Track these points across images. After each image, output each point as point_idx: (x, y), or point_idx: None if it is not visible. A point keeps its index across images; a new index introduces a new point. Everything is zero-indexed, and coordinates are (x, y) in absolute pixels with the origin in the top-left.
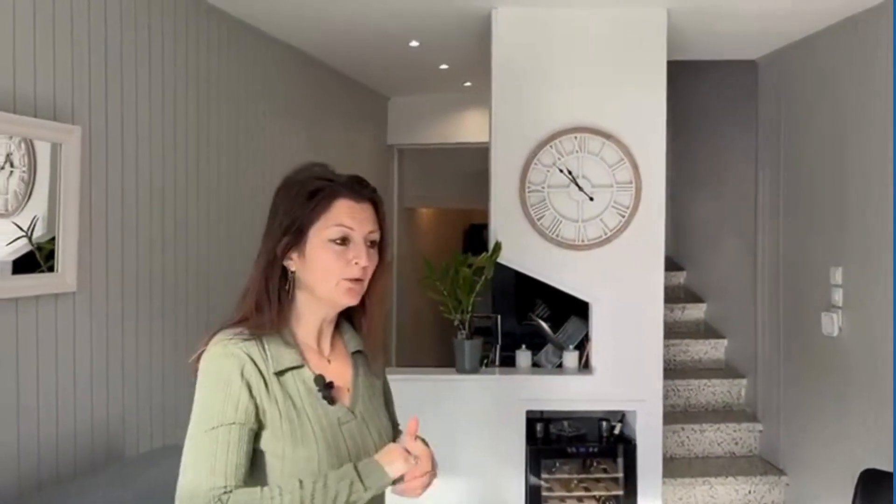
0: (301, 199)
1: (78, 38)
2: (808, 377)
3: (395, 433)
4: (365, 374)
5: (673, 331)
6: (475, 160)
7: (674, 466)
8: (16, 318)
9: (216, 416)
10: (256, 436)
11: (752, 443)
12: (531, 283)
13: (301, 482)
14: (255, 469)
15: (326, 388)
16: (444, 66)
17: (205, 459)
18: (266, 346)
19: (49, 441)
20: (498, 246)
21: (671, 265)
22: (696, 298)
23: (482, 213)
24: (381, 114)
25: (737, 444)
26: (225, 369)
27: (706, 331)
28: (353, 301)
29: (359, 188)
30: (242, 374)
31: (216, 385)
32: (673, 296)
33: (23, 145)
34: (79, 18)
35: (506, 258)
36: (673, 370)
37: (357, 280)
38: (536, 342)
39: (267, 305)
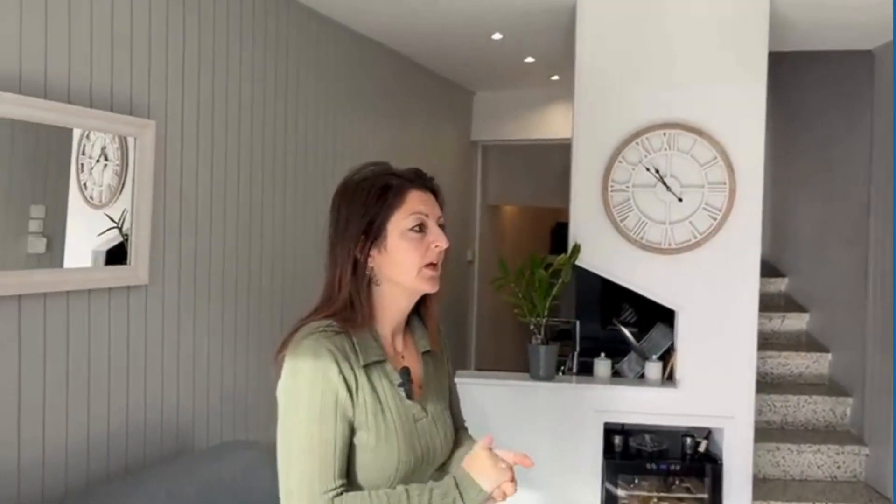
0: (374, 197)
1: (156, 34)
2: None
3: (459, 436)
4: (434, 373)
5: (770, 342)
6: (562, 157)
7: (767, 488)
8: (88, 308)
9: (318, 414)
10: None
11: (857, 467)
12: (619, 285)
13: (407, 491)
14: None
15: (409, 383)
16: (529, 60)
17: (312, 459)
18: (354, 341)
19: (119, 433)
20: (577, 248)
21: (771, 271)
22: (798, 307)
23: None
24: (466, 109)
25: (839, 467)
26: (321, 365)
27: (808, 343)
28: (434, 288)
29: (422, 179)
30: (340, 370)
31: (314, 381)
32: (772, 304)
33: (117, 139)
34: (156, 13)
35: (586, 261)
36: (769, 384)
37: (435, 266)
38: (620, 349)
39: (358, 303)
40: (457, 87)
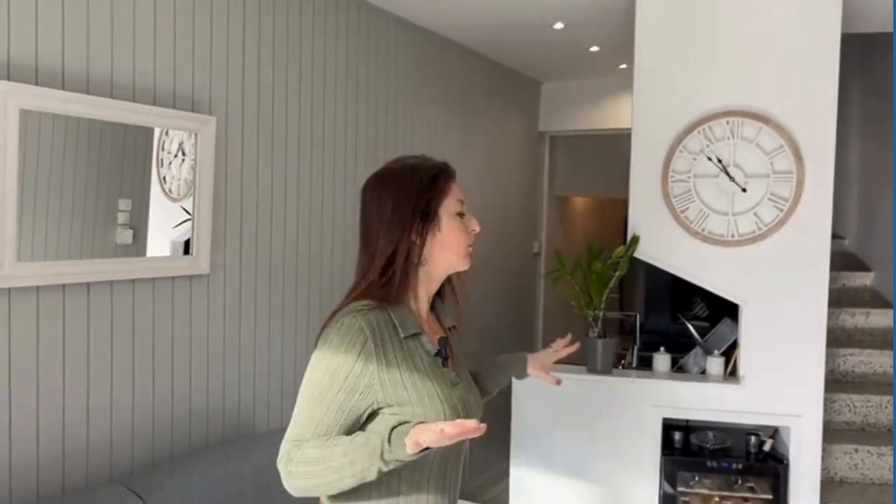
0: (427, 183)
1: (217, 29)
2: None
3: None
4: (460, 346)
5: (853, 339)
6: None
7: (843, 492)
8: (152, 296)
9: (328, 380)
10: (376, 413)
11: None
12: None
13: (356, 434)
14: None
15: (447, 351)
16: (594, 49)
17: (305, 412)
18: (392, 315)
19: (182, 416)
20: (635, 239)
21: (857, 265)
22: (885, 303)
23: None
24: (533, 100)
25: None
26: (348, 339)
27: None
28: (468, 265)
29: (454, 171)
30: (366, 347)
31: (337, 352)
32: (857, 299)
33: (193, 136)
34: (218, 7)
35: (645, 253)
36: (850, 383)
37: (471, 246)
38: (687, 344)
39: (397, 279)
40: (523, 78)
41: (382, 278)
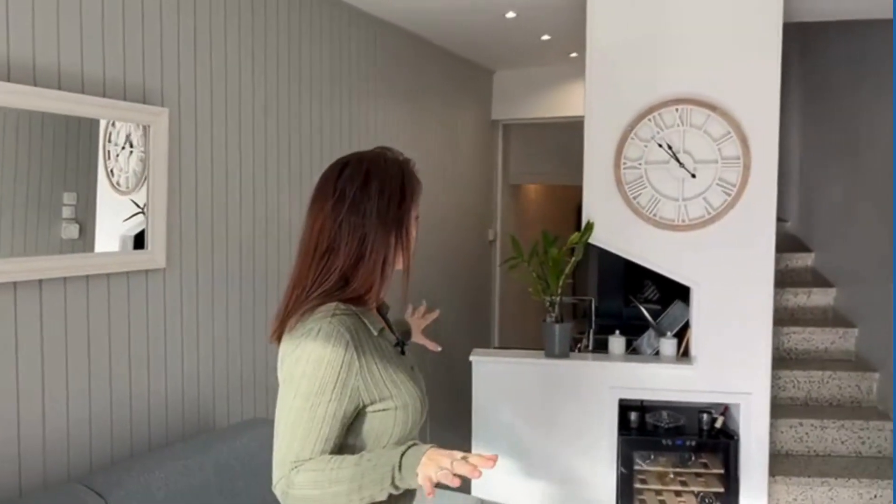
0: (411, 185)
1: (167, 20)
2: None
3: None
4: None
5: (796, 317)
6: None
7: (789, 464)
8: (108, 292)
9: (318, 390)
10: (361, 411)
11: (882, 443)
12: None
13: (361, 458)
14: (358, 428)
15: (406, 343)
16: (545, 37)
17: (300, 430)
18: (362, 316)
19: (141, 412)
20: (590, 226)
21: (798, 246)
22: (825, 283)
23: None
24: (486, 88)
25: (864, 443)
26: (330, 346)
27: (835, 318)
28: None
29: None
30: (348, 352)
31: (321, 361)
32: (799, 279)
33: (141, 127)
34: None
35: (599, 239)
36: (794, 360)
37: None
38: (641, 327)
39: (379, 280)
40: (476, 67)
41: (348, 275)
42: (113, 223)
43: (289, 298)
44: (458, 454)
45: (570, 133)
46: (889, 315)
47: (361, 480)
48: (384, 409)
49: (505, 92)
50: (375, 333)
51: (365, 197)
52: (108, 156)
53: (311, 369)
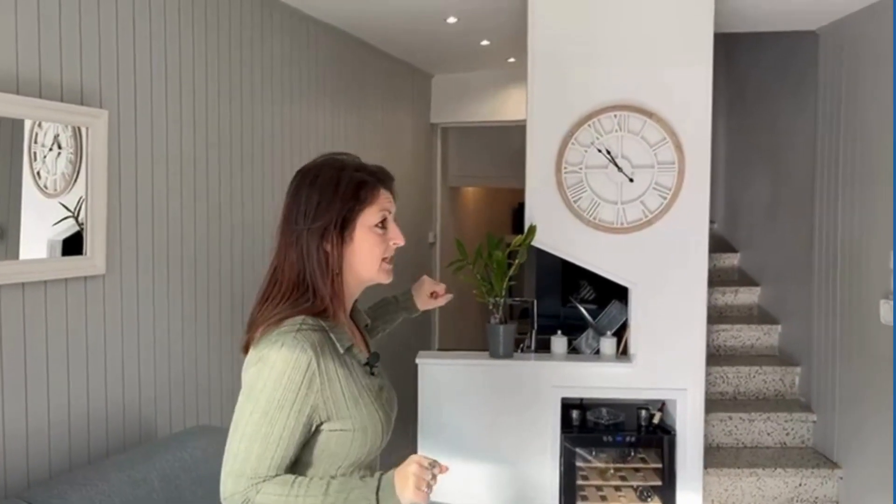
0: (350, 191)
1: (105, 20)
2: (866, 367)
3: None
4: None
5: (724, 315)
6: (521, 138)
7: (720, 456)
8: (45, 299)
9: (275, 408)
10: (317, 428)
11: (805, 434)
12: (578, 264)
13: (328, 484)
14: (312, 444)
15: (377, 364)
16: (485, 43)
17: (257, 445)
18: (329, 331)
19: (80, 423)
20: (532, 229)
21: (725, 246)
22: (751, 282)
23: None
24: (425, 92)
25: (788, 434)
26: (292, 361)
27: (760, 315)
28: (389, 279)
29: (389, 178)
30: (309, 369)
31: (281, 377)
32: (726, 278)
33: (69, 127)
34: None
35: (541, 241)
36: (722, 356)
37: (390, 260)
38: (578, 326)
39: (326, 291)
40: (415, 70)
41: (310, 289)
42: (40, 227)
43: (256, 308)
44: (425, 462)
45: (506, 136)
46: (807, 312)
47: None
48: (342, 430)
49: (443, 96)
50: (342, 351)
51: (295, 207)
52: (34, 157)
53: (270, 384)
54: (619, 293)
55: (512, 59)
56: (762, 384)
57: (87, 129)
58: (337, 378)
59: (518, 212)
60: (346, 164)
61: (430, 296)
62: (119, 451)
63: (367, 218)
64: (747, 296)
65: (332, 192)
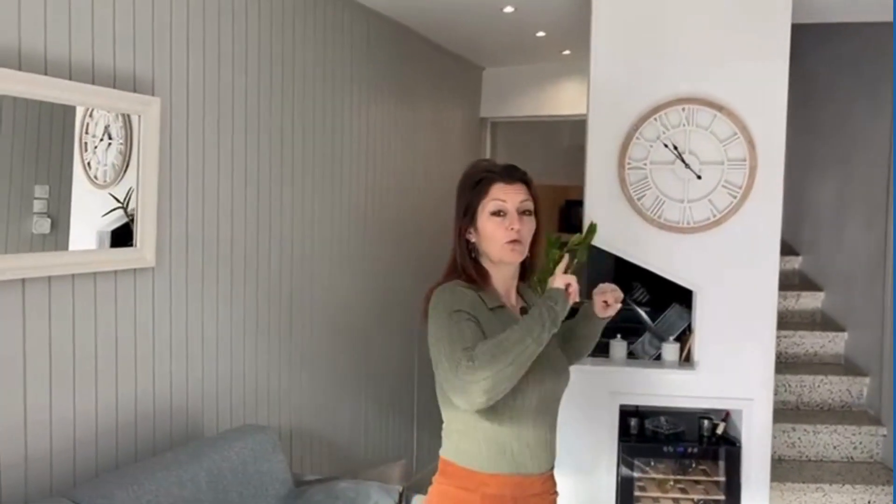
0: (469, 187)
1: (159, 5)
2: None
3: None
4: None
5: (785, 321)
6: (572, 133)
7: (782, 470)
8: (94, 292)
9: (455, 311)
10: None
11: (874, 448)
12: (629, 263)
13: (524, 320)
14: None
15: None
16: (540, 34)
17: (454, 339)
18: (478, 293)
19: (127, 419)
20: (593, 227)
21: (785, 249)
22: (813, 286)
23: (578, 188)
24: (475, 85)
25: (856, 448)
26: (455, 296)
27: (823, 322)
28: (516, 259)
29: (510, 172)
30: (469, 297)
31: (452, 296)
32: (786, 283)
33: (120, 117)
34: None
35: (601, 240)
36: (784, 364)
37: (515, 241)
38: (633, 329)
39: (472, 272)
40: (466, 63)
41: (458, 269)
42: (90, 218)
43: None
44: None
45: (556, 132)
46: (878, 319)
47: (527, 323)
48: None
49: (494, 89)
50: (489, 307)
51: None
52: (84, 147)
53: (441, 308)
54: (675, 295)
55: (567, 52)
56: (827, 394)
57: (138, 117)
58: (488, 324)
59: (566, 210)
60: (478, 165)
61: (603, 303)
62: (166, 450)
63: (486, 207)
64: (810, 301)
65: (462, 190)
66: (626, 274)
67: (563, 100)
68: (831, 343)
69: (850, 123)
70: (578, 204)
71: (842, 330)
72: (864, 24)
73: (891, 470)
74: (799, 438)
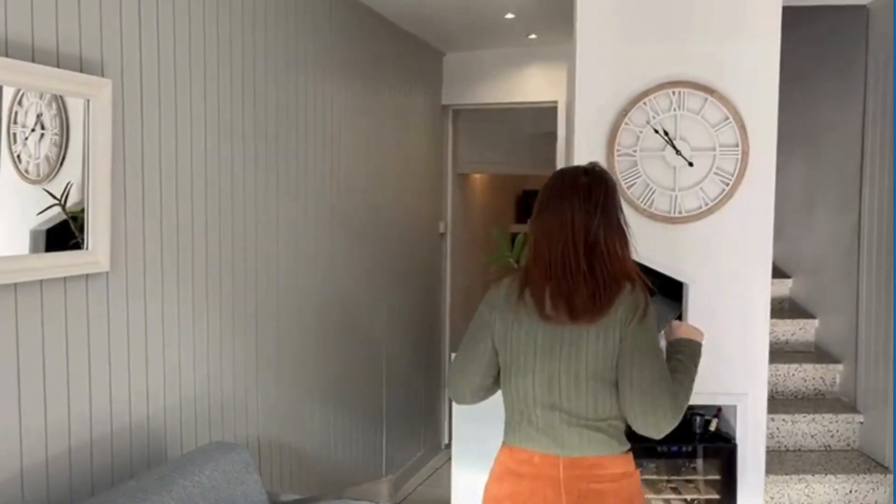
0: None
1: None
2: None
3: None
4: None
5: None
6: (536, 121)
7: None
8: (41, 302)
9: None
10: None
11: (851, 436)
12: None
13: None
14: None
15: None
16: (509, 16)
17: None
18: None
19: (82, 445)
20: None
21: None
22: (781, 273)
23: (537, 178)
24: (436, 71)
25: (832, 436)
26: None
27: (791, 309)
28: None
29: None
30: None
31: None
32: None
33: (54, 104)
34: None
35: None
36: None
37: None
38: None
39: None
40: (426, 47)
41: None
42: (21, 216)
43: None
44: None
45: (518, 120)
46: (851, 306)
47: (689, 361)
48: None
49: (456, 76)
50: None
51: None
52: (13, 139)
53: (654, 329)
54: (661, 287)
55: (533, 36)
56: (801, 383)
57: (86, 101)
58: None
59: (522, 199)
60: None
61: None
62: (127, 476)
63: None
64: (777, 288)
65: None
66: None
67: (528, 87)
68: (801, 330)
69: (820, 108)
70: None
71: (811, 317)
72: (836, 7)
73: (868, 458)
74: (777, 429)
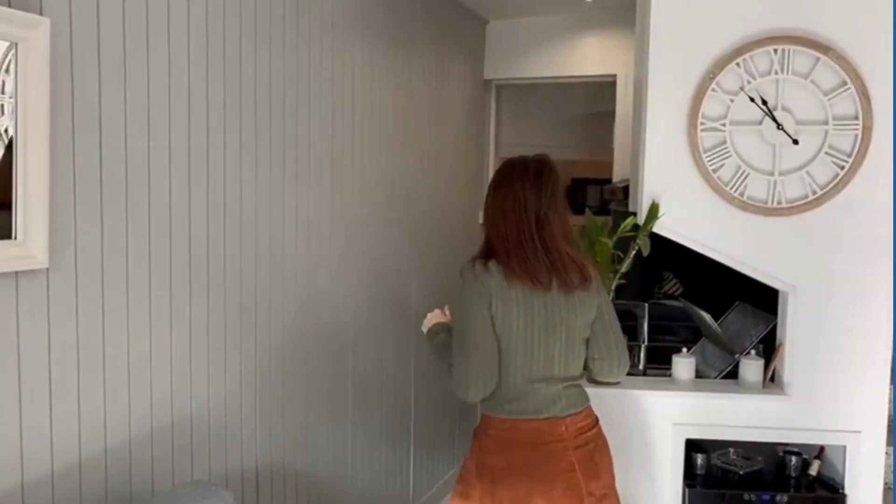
0: None
1: None
2: None
3: None
4: None
5: None
6: (587, 99)
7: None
8: None
9: None
10: None
11: None
12: (659, 247)
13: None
14: None
15: None
16: None
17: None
18: None
19: (12, 490)
20: (655, 208)
21: None
22: None
23: (588, 164)
24: (478, 41)
25: None
26: None
27: None
28: None
29: None
30: None
31: None
32: None
33: None
34: None
35: (664, 226)
36: None
37: None
38: (664, 328)
39: None
40: (468, 14)
41: None
42: None
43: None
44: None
45: (570, 97)
46: None
47: None
48: None
49: (500, 46)
50: None
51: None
52: None
53: None
54: (745, 294)
55: None
56: None
57: (12, 45)
58: None
59: (571, 190)
60: None
61: None
62: None
63: None
64: None
65: None
66: (656, 259)
67: (582, 58)
68: None
69: None
70: (586, 183)
71: None
72: None
73: None
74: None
